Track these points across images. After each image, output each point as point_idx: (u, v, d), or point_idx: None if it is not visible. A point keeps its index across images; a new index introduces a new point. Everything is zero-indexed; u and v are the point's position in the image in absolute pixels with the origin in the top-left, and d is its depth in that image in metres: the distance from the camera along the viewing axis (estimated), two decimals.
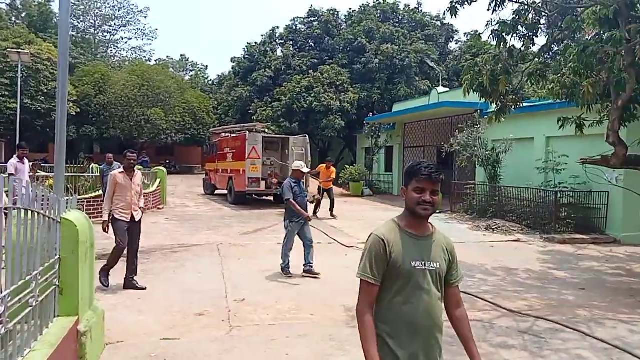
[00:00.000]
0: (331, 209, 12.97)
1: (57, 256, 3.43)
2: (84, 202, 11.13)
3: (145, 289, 5.88)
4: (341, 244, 9.21)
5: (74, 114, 29.55)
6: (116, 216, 5.87)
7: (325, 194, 13.13)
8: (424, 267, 2.02)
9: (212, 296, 5.77)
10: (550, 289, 6.65)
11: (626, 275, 7.66)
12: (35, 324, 2.96)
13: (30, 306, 2.85)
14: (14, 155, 8.23)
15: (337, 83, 27.42)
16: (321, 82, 27.06)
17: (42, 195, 3.12)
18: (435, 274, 2.06)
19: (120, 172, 5.98)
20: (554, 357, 4.35)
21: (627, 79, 6.54)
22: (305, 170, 7.18)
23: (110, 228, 5.97)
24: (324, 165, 13.83)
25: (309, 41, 32.22)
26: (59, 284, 3.44)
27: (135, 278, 5.99)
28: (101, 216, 10.96)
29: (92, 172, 13.79)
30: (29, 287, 2.85)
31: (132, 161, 6.08)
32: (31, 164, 10.30)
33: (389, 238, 2.01)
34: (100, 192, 11.41)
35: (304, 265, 6.85)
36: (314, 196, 7.56)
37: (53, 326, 3.27)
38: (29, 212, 2.87)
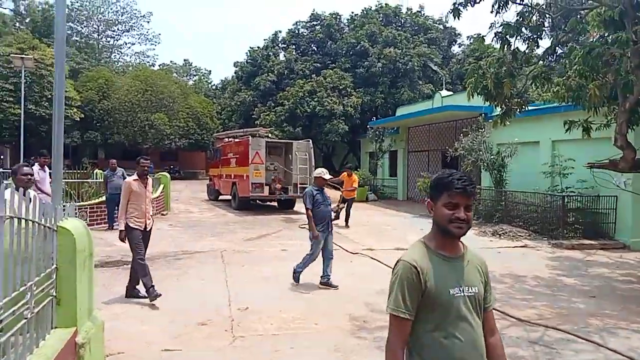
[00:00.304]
0: (346, 219, 12.45)
1: (54, 266, 3.33)
2: (87, 208, 11.09)
3: (147, 297, 5.77)
4: (346, 250, 9.10)
5: (78, 119, 29.67)
6: (131, 225, 5.70)
7: (344, 203, 12.48)
8: (462, 294, 1.79)
9: (215, 304, 5.67)
10: (560, 297, 6.50)
11: (637, 282, 7.49)
12: (30, 336, 2.86)
13: (25, 318, 2.75)
14: (36, 163, 8.16)
15: (340, 87, 27.39)
16: (324, 86, 27.03)
17: (38, 203, 3.03)
18: (474, 300, 1.82)
19: (134, 180, 5.83)
20: None
21: (634, 81, 6.45)
22: (327, 177, 6.92)
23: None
24: (345, 172, 13.29)
25: (312, 45, 32.25)
26: (56, 295, 3.34)
27: (137, 287, 5.89)
28: (105, 222, 11.13)
29: (96, 178, 13.76)
30: (23, 299, 2.75)
31: (145, 168, 5.92)
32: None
33: (421, 264, 1.77)
34: (104, 197, 11.35)
35: (321, 277, 6.67)
36: (338, 206, 7.35)
37: (50, 338, 3.17)
38: (23, 220, 2.77)
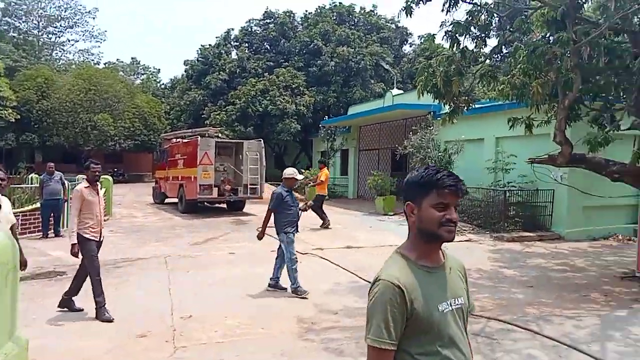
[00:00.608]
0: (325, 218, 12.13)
1: None
2: (19, 215, 10.37)
3: (81, 310, 5.45)
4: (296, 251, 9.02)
5: (14, 120, 27.90)
6: (87, 236, 5.26)
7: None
8: (451, 308, 1.58)
9: (156, 314, 5.43)
10: (501, 288, 6.75)
11: (570, 271, 7.92)
12: None
13: None
14: None
15: (293, 86, 27.27)
16: (277, 85, 26.82)
17: None
18: (462, 312, 1.63)
19: (85, 187, 5.40)
20: (506, 358, 4.36)
21: (573, 78, 6.75)
22: (300, 177, 6.71)
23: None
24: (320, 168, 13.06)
25: (265, 43, 31.93)
26: None
27: (73, 298, 5.54)
28: (39, 230, 10.45)
29: (31, 183, 12.94)
30: None
31: (97, 173, 5.49)
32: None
33: (405, 282, 1.50)
34: (39, 204, 10.67)
35: (270, 278, 6.55)
36: (306, 204, 7.28)
37: None
38: None
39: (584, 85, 7.13)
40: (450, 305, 1.58)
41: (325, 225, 12.02)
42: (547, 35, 7.18)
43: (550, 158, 8.14)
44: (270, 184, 16.83)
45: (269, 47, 31.75)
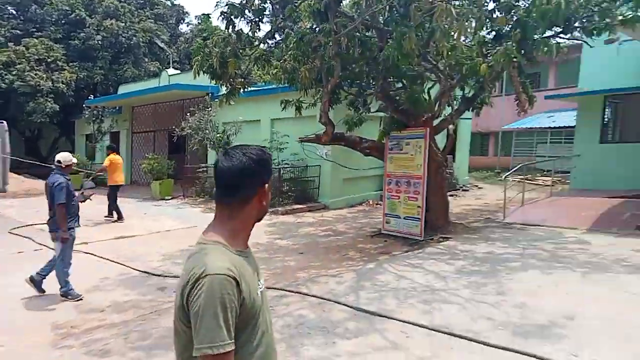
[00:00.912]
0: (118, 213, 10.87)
1: None
2: None
3: None
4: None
5: None
6: None
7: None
8: (262, 289, 1.52)
9: None
10: (276, 258, 7.16)
11: (334, 235, 8.95)
12: None
13: None
14: None
15: (49, 60, 23.23)
16: (26, 57, 22.50)
17: None
18: (265, 291, 1.58)
19: None
20: (280, 322, 4.59)
21: (334, 66, 7.49)
22: (75, 161, 5.87)
23: None
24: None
25: (8, 7, 26.21)
26: None
27: None
28: None
29: None
30: None
31: None
32: None
33: (236, 273, 1.36)
34: None
35: (37, 272, 5.49)
36: (82, 193, 6.09)
37: None
38: None
39: (343, 72, 8.01)
40: (261, 286, 1.53)
41: (108, 217, 10.96)
42: (314, 26, 7.78)
43: (316, 137, 9.01)
44: (20, 175, 14.07)
45: (15, 13, 26.23)
